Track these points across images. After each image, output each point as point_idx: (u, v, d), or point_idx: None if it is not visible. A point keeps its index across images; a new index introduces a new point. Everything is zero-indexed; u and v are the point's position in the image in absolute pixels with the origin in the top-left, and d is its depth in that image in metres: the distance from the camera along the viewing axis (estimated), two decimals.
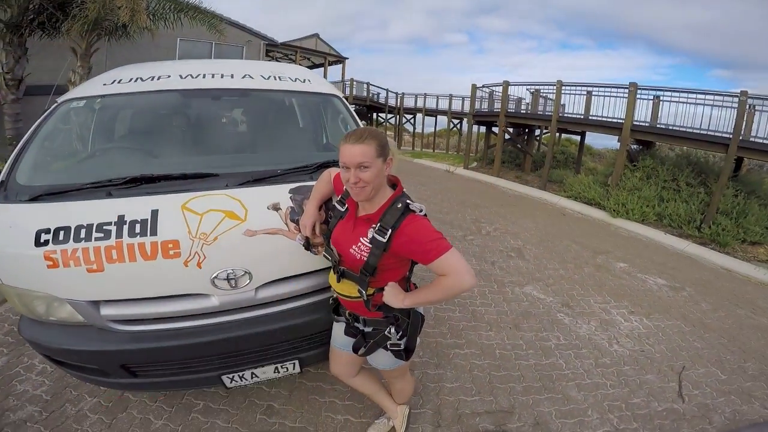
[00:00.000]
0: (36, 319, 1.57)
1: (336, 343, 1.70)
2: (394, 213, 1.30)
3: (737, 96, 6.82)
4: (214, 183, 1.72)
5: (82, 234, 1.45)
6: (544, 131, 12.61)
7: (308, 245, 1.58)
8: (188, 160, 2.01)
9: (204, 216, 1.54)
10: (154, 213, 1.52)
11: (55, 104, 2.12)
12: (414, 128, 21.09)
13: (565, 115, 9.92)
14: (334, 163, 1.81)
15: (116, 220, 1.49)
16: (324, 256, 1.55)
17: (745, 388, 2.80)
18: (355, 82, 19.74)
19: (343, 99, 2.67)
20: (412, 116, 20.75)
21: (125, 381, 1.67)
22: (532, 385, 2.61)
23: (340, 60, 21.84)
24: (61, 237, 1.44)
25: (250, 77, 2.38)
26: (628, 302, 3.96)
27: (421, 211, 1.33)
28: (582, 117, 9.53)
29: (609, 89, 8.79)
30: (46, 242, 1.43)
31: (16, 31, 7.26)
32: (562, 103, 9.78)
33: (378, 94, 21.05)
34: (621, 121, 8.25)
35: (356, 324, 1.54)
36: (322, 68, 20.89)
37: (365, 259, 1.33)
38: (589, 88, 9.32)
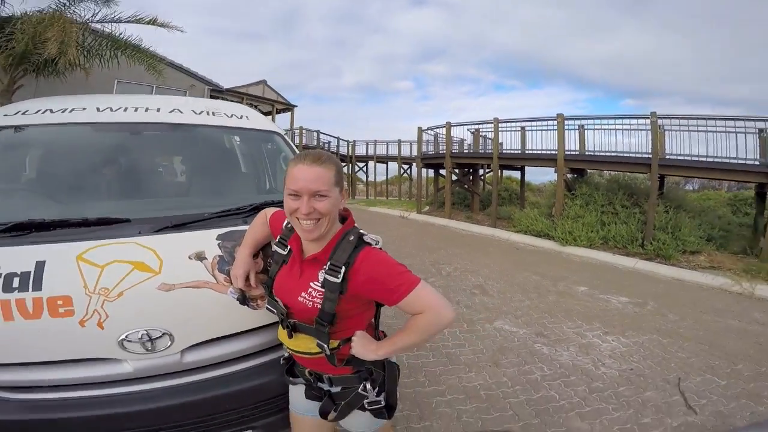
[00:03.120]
0: None
1: (296, 408, 1.37)
2: (345, 247, 1.09)
3: (648, 117, 7.60)
4: (123, 230, 1.47)
5: None
6: (487, 170, 13.24)
7: (244, 299, 1.33)
8: (95, 205, 1.71)
9: (105, 268, 1.29)
10: (40, 265, 1.25)
11: None
12: (367, 176, 21.35)
13: (504, 151, 10.51)
14: (271, 204, 1.62)
15: None
16: (267, 308, 1.28)
17: (750, 389, 2.79)
18: (304, 130, 19.69)
19: (285, 136, 2.48)
20: (364, 164, 21.05)
21: None
22: (530, 422, 2.37)
23: (288, 108, 21.58)
24: None
25: (180, 111, 2.15)
26: (599, 323, 3.92)
27: (377, 243, 1.12)
28: (519, 152, 10.15)
29: (540, 122, 9.50)
30: None
31: None
32: (500, 141, 10.38)
33: (329, 142, 21.02)
34: (554, 152, 8.84)
35: (320, 384, 1.24)
36: (270, 116, 20.71)
37: (319, 306, 1.08)
38: (523, 123, 10.03)
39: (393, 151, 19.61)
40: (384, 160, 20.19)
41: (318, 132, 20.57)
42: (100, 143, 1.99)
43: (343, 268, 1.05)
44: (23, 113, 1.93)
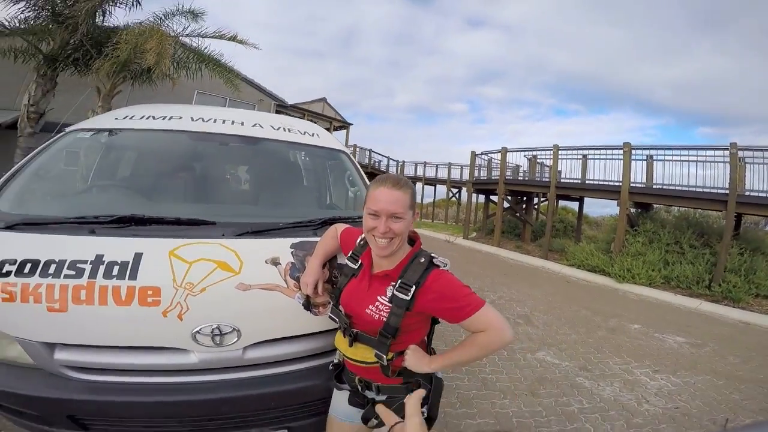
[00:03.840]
0: None
1: (337, 413, 1.45)
2: (417, 268, 1.18)
3: (727, 149, 6.93)
4: (209, 231, 1.62)
5: (51, 269, 1.33)
6: (542, 199, 12.80)
7: (308, 305, 1.44)
8: (186, 206, 1.93)
9: (193, 264, 1.42)
10: (138, 256, 1.40)
11: (62, 133, 2.08)
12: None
13: (563, 180, 10.07)
14: (340, 220, 1.74)
15: (93, 258, 1.37)
16: (330, 317, 1.40)
17: None
18: (358, 148, 20.32)
19: (351, 156, 2.64)
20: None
21: None
22: None
23: (344, 125, 22.44)
24: (26, 270, 1.32)
25: (260, 126, 2.37)
26: (650, 362, 3.71)
27: (446, 265, 1.22)
28: (579, 182, 9.68)
29: (604, 151, 8.99)
30: (8, 273, 1.31)
31: (51, 65, 7.41)
32: (559, 169, 9.98)
33: (380, 161, 21.61)
34: (618, 183, 8.35)
35: (366, 392, 1.34)
36: None
37: (384, 319, 1.18)
38: (584, 152, 9.54)
39: (442, 173, 19.60)
40: (433, 182, 20.17)
41: (370, 150, 21.12)
42: (192, 150, 2.24)
43: (414, 287, 1.15)
44: (131, 118, 2.19)
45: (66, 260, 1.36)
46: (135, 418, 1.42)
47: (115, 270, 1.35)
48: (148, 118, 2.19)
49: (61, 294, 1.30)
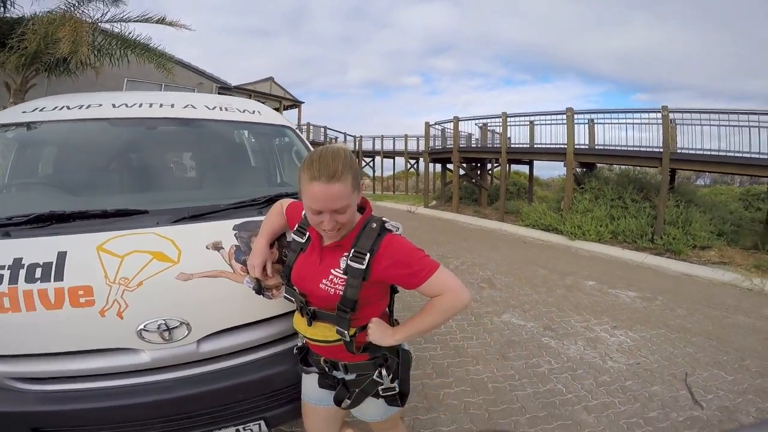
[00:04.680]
0: None
1: (309, 397, 1.39)
2: (369, 234, 1.10)
3: (659, 111, 7.47)
4: (141, 221, 1.48)
5: None
6: (495, 165, 13.18)
7: (260, 288, 1.34)
8: (114, 197, 1.74)
9: (125, 258, 1.29)
10: (61, 255, 1.26)
11: None
12: (374, 172, 21.33)
13: (513, 145, 10.42)
14: (287, 196, 1.62)
15: (11, 263, 1.22)
16: (285, 298, 1.29)
17: (757, 385, 2.78)
18: (311, 126, 19.82)
19: (296, 131, 2.49)
20: (371, 159, 21.02)
21: None
22: (537, 414, 2.38)
23: (295, 104, 21.75)
24: None
25: (193, 107, 2.18)
26: (607, 318, 3.91)
27: (398, 229, 1.15)
28: (528, 146, 10.07)
29: (549, 116, 9.40)
30: None
31: None
32: (508, 136, 10.30)
33: (336, 138, 21.09)
34: (564, 146, 8.75)
35: (335, 372, 1.27)
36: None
37: (341, 293, 1.10)
38: (531, 118, 9.94)
39: (400, 146, 19.54)
40: (391, 155, 20.13)
41: (325, 128, 20.63)
42: (116, 138, 2.02)
43: (368, 254, 1.07)
44: (41, 110, 1.96)
45: None
46: (99, 424, 1.32)
47: (38, 272, 1.23)
48: (61, 108, 1.96)
49: None
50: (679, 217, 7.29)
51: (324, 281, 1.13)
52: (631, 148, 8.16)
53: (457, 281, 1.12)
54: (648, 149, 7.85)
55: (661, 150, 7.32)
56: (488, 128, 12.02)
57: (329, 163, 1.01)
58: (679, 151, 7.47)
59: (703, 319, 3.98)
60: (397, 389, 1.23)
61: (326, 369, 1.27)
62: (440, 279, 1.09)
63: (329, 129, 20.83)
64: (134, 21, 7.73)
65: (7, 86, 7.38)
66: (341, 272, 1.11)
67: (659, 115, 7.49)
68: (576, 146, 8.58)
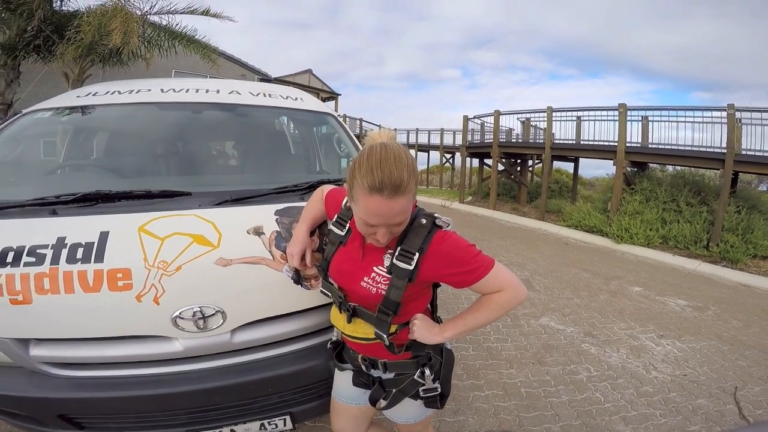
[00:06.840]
0: None
1: (340, 395, 1.33)
2: (419, 232, 1.01)
3: (725, 110, 6.84)
4: (184, 203, 1.46)
5: (9, 258, 1.18)
6: (537, 161, 12.66)
7: (298, 278, 1.29)
8: (159, 179, 1.77)
9: (165, 240, 1.26)
10: (104, 235, 1.25)
11: (18, 115, 1.91)
12: None
13: (557, 141, 9.93)
14: (329, 182, 1.58)
15: (54, 242, 1.22)
16: (321, 291, 1.23)
17: None
18: (348, 118, 19.99)
19: (338, 118, 2.47)
20: None
21: None
22: (571, 423, 2.25)
23: (332, 96, 22.25)
24: None
25: (237, 93, 2.19)
26: (653, 326, 3.66)
27: (449, 225, 1.05)
28: (574, 142, 9.55)
29: (598, 112, 8.85)
30: None
31: (11, 54, 7.14)
32: (553, 131, 9.82)
33: (371, 130, 21.32)
34: (614, 143, 8.23)
35: (372, 371, 1.20)
36: None
37: (383, 293, 1.02)
38: (579, 113, 9.35)
39: (435, 139, 19.26)
40: (426, 148, 19.89)
41: (361, 120, 20.78)
42: (163, 121, 2.06)
43: (417, 254, 0.98)
44: (94, 94, 2.03)
45: (25, 246, 1.22)
46: (125, 413, 1.31)
47: (80, 253, 1.21)
48: (113, 93, 2.02)
49: (23, 284, 1.16)
50: (740, 224, 6.70)
51: (365, 279, 1.05)
52: (691, 148, 7.55)
53: (514, 277, 1.06)
54: (708, 150, 7.23)
55: (724, 151, 6.71)
56: (531, 123, 11.56)
57: (393, 171, 0.86)
58: (744, 152, 6.83)
59: (759, 332, 3.67)
60: (438, 390, 1.16)
61: (363, 367, 1.20)
62: (498, 275, 1.03)
63: (365, 121, 20.98)
64: (180, 13, 8.03)
65: (66, 76, 7.90)
66: (385, 270, 1.03)
67: (723, 114, 6.86)
68: (627, 144, 8.05)
